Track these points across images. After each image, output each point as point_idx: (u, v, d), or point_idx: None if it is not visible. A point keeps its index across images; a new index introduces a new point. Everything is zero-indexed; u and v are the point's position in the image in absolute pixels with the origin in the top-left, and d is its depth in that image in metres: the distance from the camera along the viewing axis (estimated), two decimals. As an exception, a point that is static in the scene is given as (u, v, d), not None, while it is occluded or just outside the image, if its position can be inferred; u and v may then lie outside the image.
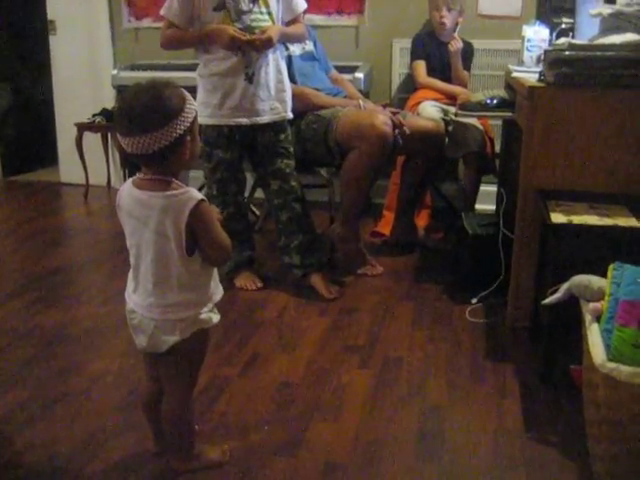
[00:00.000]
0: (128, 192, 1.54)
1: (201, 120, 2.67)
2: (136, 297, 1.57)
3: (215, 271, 1.62)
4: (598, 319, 1.67)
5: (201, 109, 2.71)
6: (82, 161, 4.46)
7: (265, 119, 2.76)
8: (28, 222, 3.96)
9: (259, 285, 2.92)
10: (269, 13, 2.69)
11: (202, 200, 1.49)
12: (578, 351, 1.76)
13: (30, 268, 3.18)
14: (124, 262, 1.62)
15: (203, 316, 1.57)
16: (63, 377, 2.15)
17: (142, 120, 1.42)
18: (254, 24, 2.65)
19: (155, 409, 1.67)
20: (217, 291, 1.62)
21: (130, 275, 1.60)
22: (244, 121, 2.73)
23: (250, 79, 2.68)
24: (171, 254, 1.50)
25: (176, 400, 1.62)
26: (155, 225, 1.49)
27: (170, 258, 1.51)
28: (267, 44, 2.64)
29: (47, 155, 5.15)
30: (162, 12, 2.68)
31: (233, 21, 2.62)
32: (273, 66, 2.75)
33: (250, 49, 2.63)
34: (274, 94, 2.76)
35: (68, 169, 4.79)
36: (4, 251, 3.47)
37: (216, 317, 1.61)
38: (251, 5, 2.64)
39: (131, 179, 1.55)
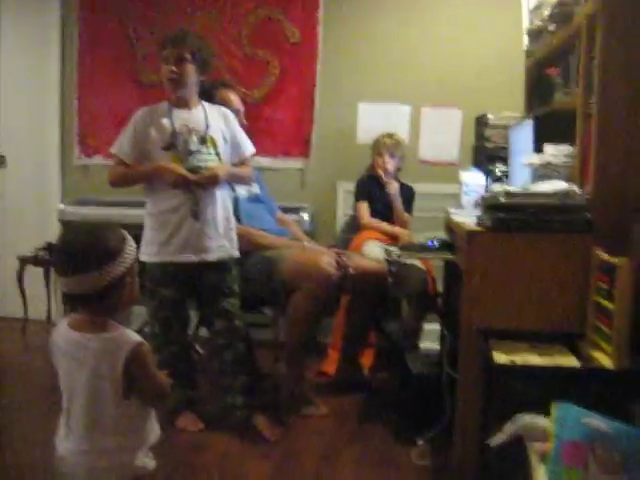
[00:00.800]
0: (63, 332, 1.51)
1: (147, 258, 2.70)
2: (67, 443, 1.51)
3: (152, 412, 1.57)
4: (545, 460, 1.66)
5: (147, 247, 2.73)
6: (22, 295, 4.37)
7: (213, 257, 2.78)
8: (-41, 358, 3.80)
9: (200, 426, 2.82)
10: (217, 154, 2.78)
11: (140, 342, 1.47)
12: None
13: (-43, 408, 3.01)
14: (59, 403, 1.56)
15: (137, 462, 1.50)
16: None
17: (81, 260, 1.43)
18: (202, 164, 2.73)
19: None
20: (152, 433, 1.56)
21: (62, 420, 1.53)
22: (192, 258, 2.74)
23: (196, 216, 2.72)
24: (106, 397, 1.46)
25: None
26: (91, 367, 1.46)
27: (105, 401, 1.46)
28: (212, 180, 2.71)
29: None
30: (112, 150, 2.74)
31: (182, 161, 2.70)
32: (220, 204, 2.80)
33: (196, 187, 2.69)
34: (222, 232, 2.80)
35: (6, 302, 4.66)
36: None
37: (152, 463, 1.55)
38: (199, 146, 2.73)
39: (66, 319, 1.53)
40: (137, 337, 1.49)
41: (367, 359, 3.59)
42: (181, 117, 2.76)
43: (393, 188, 3.69)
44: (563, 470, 1.51)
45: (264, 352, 3.40)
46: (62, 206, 4.26)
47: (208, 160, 2.76)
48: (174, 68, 2.72)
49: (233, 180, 2.97)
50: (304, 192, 4.34)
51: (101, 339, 1.47)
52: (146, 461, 1.53)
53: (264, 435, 2.74)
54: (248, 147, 2.95)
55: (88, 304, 1.49)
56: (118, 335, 1.48)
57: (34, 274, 4.40)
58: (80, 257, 1.43)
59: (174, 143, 2.72)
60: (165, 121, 2.74)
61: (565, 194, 2.28)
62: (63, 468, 1.51)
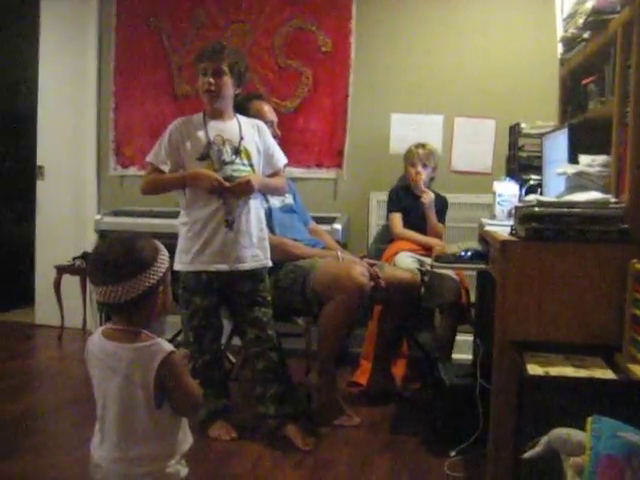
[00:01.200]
0: (97, 342, 1.53)
1: (181, 267, 2.73)
2: (101, 450, 1.53)
3: (185, 421, 1.58)
4: (580, 474, 1.63)
5: (181, 256, 2.76)
6: (59, 303, 4.45)
7: (246, 266, 2.80)
8: (-2, 364, 3.88)
9: (233, 435, 2.83)
10: (250, 165, 2.81)
11: (172, 352, 1.49)
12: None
13: (-5, 414, 3.07)
14: (93, 409, 1.58)
15: (170, 469, 1.51)
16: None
17: (114, 270, 1.45)
18: (235, 174, 2.76)
19: None
20: (185, 442, 1.57)
21: (96, 427, 1.56)
22: (224, 267, 2.77)
23: (230, 226, 2.75)
24: (138, 406, 1.48)
25: None
26: (123, 377, 1.48)
27: (137, 410, 1.48)
28: (246, 188, 2.73)
29: (22, 296, 5.12)
30: (148, 159, 2.78)
31: (216, 171, 2.73)
32: (254, 214, 2.83)
33: (230, 196, 2.72)
34: (255, 242, 2.83)
35: (44, 310, 4.76)
36: (-31, 395, 3.36)
37: (184, 470, 1.55)
38: (233, 157, 2.77)
39: (101, 328, 1.55)
40: (169, 346, 1.50)
41: (399, 369, 3.58)
42: (216, 128, 2.79)
43: (428, 198, 3.67)
44: (599, 484, 1.49)
45: (296, 362, 3.40)
46: (98, 216, 4.33)
47: (242, 171, 2.79)
48: (212, 80, 2.75)
49: (267, 191, 2.99)
50: (337, 202, 4.35)
51: (134, 349, 1.48)
52: (179, 468, 1.54)
53: (296, 445, 2.74)
54: (281, 158, 2.98)
55: (122, 313, 1.51)
56: (151, 344, 1.49)
57: (71, 283, 4.48)
58: (114, 267, 1.45)
59: (208, 153, 2.75)
60: (200, 132, 2.78)
61: (600, 204, 2.25)
62: (98, 475, 1.53)
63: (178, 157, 2.76)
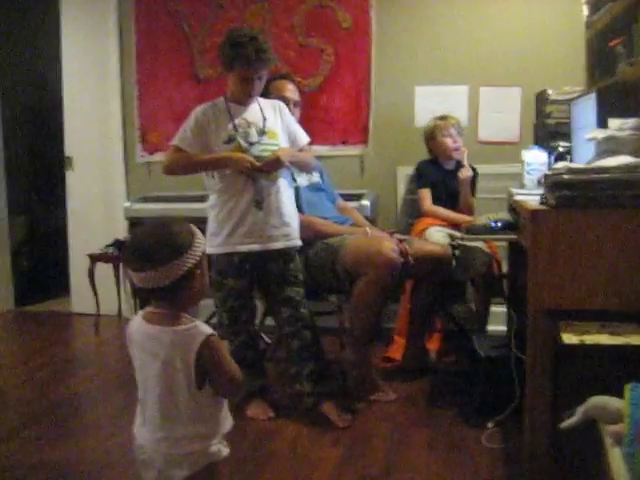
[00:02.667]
0: (138, 326, 1.56)
1: (212, 250, 2.75)
2: (144, 432, 1.56)
3: (225, 402, 1.60)
4: (619, 442, 1.62)
5: (212, 239, 2.78)
6: (94, 291, 4.52)
7: (277, 245, 2.82)
8: (38, 352, 3.95)
9: (270, 415, 2.87)
10: (276, 145, 2.81)
11: (211, 334, 1.51)
12: (602, 476, 1.69)
13: (37, 400, 3.14)
14: (133, 393, 1.61)
15: (212, 449, 1.54)
16: (68, 516, 2.09)
17: (152, 255, 1.47)
18: (264, 154, 2.77)
19: None
20: (226, 422, 1.60)
21: (138, 409, 1.59)
22: (255, 247, 2.78)
23: (260, 206, 2.76)
24: (180, 388, 1.50)
25: None
26: (164, 359, 1.50)
27: (179, 392, 1.50)
28: (276, 164, 2.75)
29: (59, 285, 5.21)
30: (175, 142, 2.78)
31: (244, 152, 2.74)
32: (284, 193, 2.84)
33: (261, 175, 2.73)
34: (286, 221, 2.84)
35: (80, 299, 4.84)
36: (12, 383, 3.44)
37: (226, 450, 1.58)
38: (259, 137, 2.77)
39: (141, 312, 1.58)
40: (209, 329, 1.52)
41: (434, 343, 3.58)
42: (239, 112, 2.80)
43: (466, 173, 3.63)
44: (639, 452, 1.48)
45: (330, 339, 3.42)
46: (128, 204, 4.38)
47: (269, 150, 2.79)
48: (256, 86, 2.77)
49: (297, 164, 2.98)
50: (364, 179, 4.33)
51: (174, 332, 1.50)
52: (220, 448, 1.56)
53: (333, 422, 2.76)
54: (303, 136, 2.98)
55: (161, 298, 1.52)
56: (190, 327, 1.51)
57: (104, 271, 4.55)
58: (151, 252, 1.47)
59: (235, 137, 2.76)
60: (225, 117, 2.78)
61: (632, 168, 2.21)
62: (142, 455, 1.56)
63: (205, 141, 2.77)
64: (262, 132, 2.80)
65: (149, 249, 1.47)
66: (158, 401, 1.52)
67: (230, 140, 2.77)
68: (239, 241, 2.78)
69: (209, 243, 2.79)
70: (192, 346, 1.48)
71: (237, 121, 2.78)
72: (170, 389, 1.51)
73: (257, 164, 2.71)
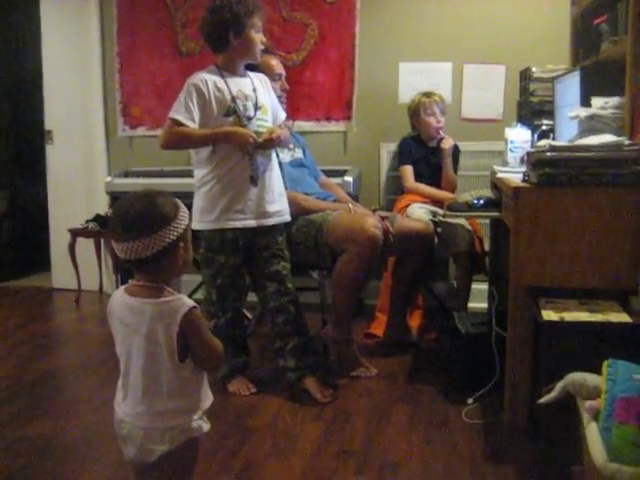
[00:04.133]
0: (120, 298, 1.55)
1: (202, 226, 2.73)
2: (125, 406, 1.55)
3: (206, 378, 1.60)
4: (596, 417, 1.64)
5: (204, 215, 2.75)
6: (75, 266, 4.48)
7: (271, 221, 2.81)
8: (19, 328, 3.93)
9: (252, 390, 2.87)
10: (267, 120, 2.80)
11: (194, 307, 1.50)
12: (579, 450, 1.72)
13: (18, 376, 3.12)
14: (115, 369, 1.60)
15: (193, 424, 1.54)
16: (49, 490, 2.08)
17: (135, 226, 1.46)
18: (260, 129, 2.75)
19: None
20: (207, 398, 1.59)
21: (119, 383, 1.58)
22: (251, 223, 2.76)
23: (255, 182, 2.74)
24: (162, 361, 1.49)
25: None
26: (146, 332, 1.49)
27: (161, 365, 1.50)
28: (277, 141, 2.75)
29: (39, 260, 5.17)
30: (173, 115, 2.69)
31: (243, 126, 2.71)
32: (275, 170, 2.83)
33: (257, 151, 2.71)
34: (277, 197, 2.82)
35: (60, 274, 4.81)
36: (-7, 359, 3.43)
37: (206, 425, 1.57)
38: (255, 112, 2.75)
39: (124, 286, 1.56)
40: (191, 302, 1.51)
41: (415, 320, 3.59)
42: (235, 83, 2.76)
43: (448, 143, 3.63)
44: (615, 426, 1.50)
45: (312, 315, 3.42)
46: (109, 178, 4.34)
47: (264, 126, 2.78)
48: (264, 38, 2.77)
49: (284, 143, 2.98)
50: (347, 155, 4.31)
51: (156, 304, 1.49)
52: (201, 424, 1.56)
53: (315, 397, 2.78)
54: (282, 112, 2.96)
55: (143, 270, 1.51)
56: (173, 300, 1.50)
57: (85, 246, 4.51)
58: (135, 223, 1.46)
59: (234, 109, 2.72)
60: (223, 87, 2.73)
61: (614, 146, 2.22)
62: (122, 430, 1.54)
63: (204, 113, 2.72)
64: (257, 107, 2.77)
65: (132, 219, 1.46)
66: (140, 374, 1.51)
67: (229, 113, 2.72)
68: (234, 217, 2.75)
69: (199, 219, 2.76)
70: (175, 318, 1.47)
71: (235, 93, 2.74)
72: (152, 362, 1.50)
73: (259, 140, 2.69)
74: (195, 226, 2.70)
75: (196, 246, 2.66)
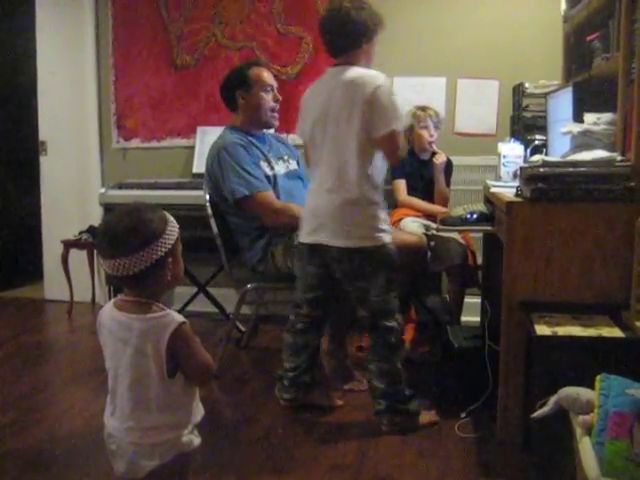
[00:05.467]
0: (109, 313, 1.54)
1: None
2: (114, 421, 1.54)
3: (197, 392, 1.59)
4: (589, 432, 1.65)
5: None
6: (67, 278, 4.47)
7: None
8: (10, 339, 3.90)
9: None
10: None
11: (183, 322, 1.50)
12: (572, 464, 1.72)
13: (9, 388, 3.10)
14: (106, 381, 1.60)
15: (184, 439, 1.53)
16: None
17: (122, 243, 1.45)
18: None
19: None
20: (198, 412, 1.59)
21: (108, 398, 1.57)
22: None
23: None
24: (151, 376, 1.49)
25: None
26: (135, 347, 1.49)
27: (150, 380, 1.49)
28: None
29: (32, 272, 5.15)
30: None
31: None
32: None
33: None
34: None
35: (53, 286, 4.78)
36: (-17, 371, 3.40)
37: (197, 439, 1.57)
38: None
39: (112, 300, 1.56)
40: (180, 317, 1.50)
41: (408, 334, 3.58)
42: None
43: (441, 159, 3.64)
44: (608, 441, 1.50)
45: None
46: (103, 190, 4.33)
47: None
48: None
49: None
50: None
51: (145, 319, 1.48)
52: (192, 438, 1.55)
53: (328, 404, 2.80)
54: None
55: (132, 285, 1.51)
56: (161, 316, 1.49)
57: (78, 257, 4.50)
58: (122, 240, 1.45)
59: None
60: None
61: (606, 162, 2.24)
62: (111, 445, 1.54)
63: None
64: None
65: (119, 236, 1.45)
66: (128, 390, 1.50)
67: None
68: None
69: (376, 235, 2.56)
70: (163, 334, 1.47)
71: None
72: (141, 378, 1.49)
73: None
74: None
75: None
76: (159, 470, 1.50)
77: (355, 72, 2.59)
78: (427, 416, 2.66)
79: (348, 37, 2.64)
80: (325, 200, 2.56)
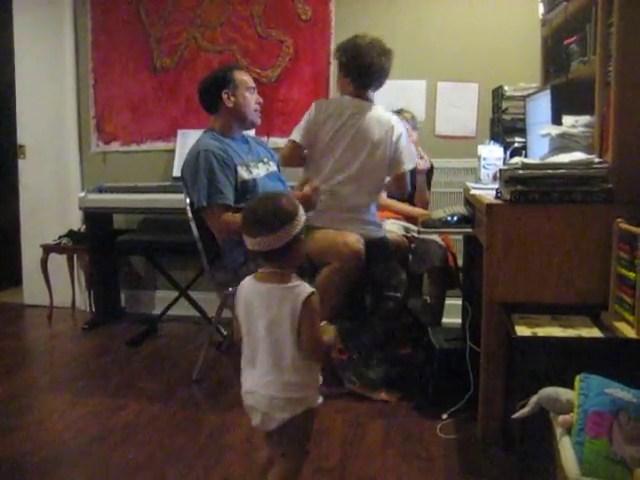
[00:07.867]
0: (250, 285, 1.80)
1: None
2: (255, 376, 1.76)
3: None
4: (569, 432, 1.66)
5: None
6: (47, 282, 4.43)
7: None
8: (-12, 346, 3.87)
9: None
10: None
11: (312, 293, 1.73)
12: (552, 464, 1.73)
13: (-12, 394, 3.07)
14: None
15: (312, 397, 1.78)
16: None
17: (268, 223, 1.72)
18: None
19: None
20: (319, 375, 1.83)
21: (244, 360, 1.80)
22: None
23: None
24: (287, 339, 1.72)
25: (285, 470, 1.80)
26: (275, 311, 1.73)
27: (286, 342, 1.72)
28: None
29: (11, 276, 5.10)
30: None
31: None
32: None
33: None
34: None
35: (32, 291, 4.74)
36: (-38, 377, 3.36)
37: (321, 398, 1.81)
38: None
39: (252, 275, 1.82)
40: (310, 288, 1.75)
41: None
42: None
43: (424, 164, 3.65)
44: (587, 441, 1.51)
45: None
46: (82, 194, 4.29)
47: None
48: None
49: None
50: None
51: (284, 288, 1.74)
52: (318, 396, 1.80)
53: None
54: None
55: (271, 259, 1.76)
56: (296, 285, 1.75)
57: (58, 262, 4.46)
58: (266, 221, 1.72)
59: None
60: None
61: (585, 164, 2.27)
62: (249, 400, 1.77)
63: None
64: None
65: (264, 218, 1.72)
66: (270, 349, 1.74)
67: None
68: None
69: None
70: (298, 300, 1.71)
71: None
72: (279, 339, 1.73)
73: None
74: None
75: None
76: (289, 422, 1.74)
77: (381, 112, 3.27)
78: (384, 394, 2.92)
79: (378, 82, 3.34)
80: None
